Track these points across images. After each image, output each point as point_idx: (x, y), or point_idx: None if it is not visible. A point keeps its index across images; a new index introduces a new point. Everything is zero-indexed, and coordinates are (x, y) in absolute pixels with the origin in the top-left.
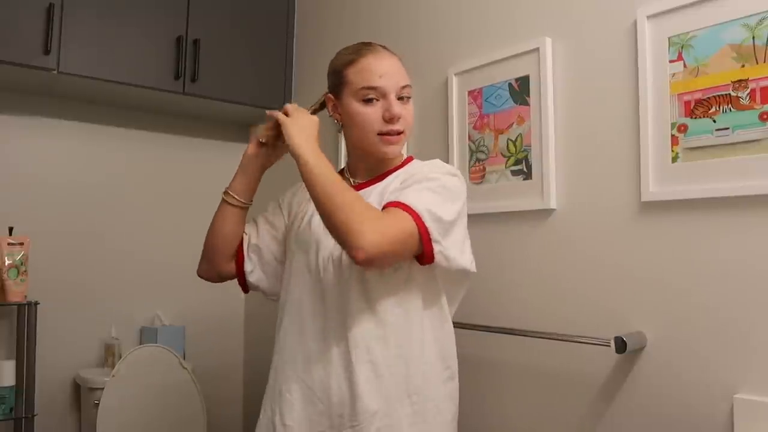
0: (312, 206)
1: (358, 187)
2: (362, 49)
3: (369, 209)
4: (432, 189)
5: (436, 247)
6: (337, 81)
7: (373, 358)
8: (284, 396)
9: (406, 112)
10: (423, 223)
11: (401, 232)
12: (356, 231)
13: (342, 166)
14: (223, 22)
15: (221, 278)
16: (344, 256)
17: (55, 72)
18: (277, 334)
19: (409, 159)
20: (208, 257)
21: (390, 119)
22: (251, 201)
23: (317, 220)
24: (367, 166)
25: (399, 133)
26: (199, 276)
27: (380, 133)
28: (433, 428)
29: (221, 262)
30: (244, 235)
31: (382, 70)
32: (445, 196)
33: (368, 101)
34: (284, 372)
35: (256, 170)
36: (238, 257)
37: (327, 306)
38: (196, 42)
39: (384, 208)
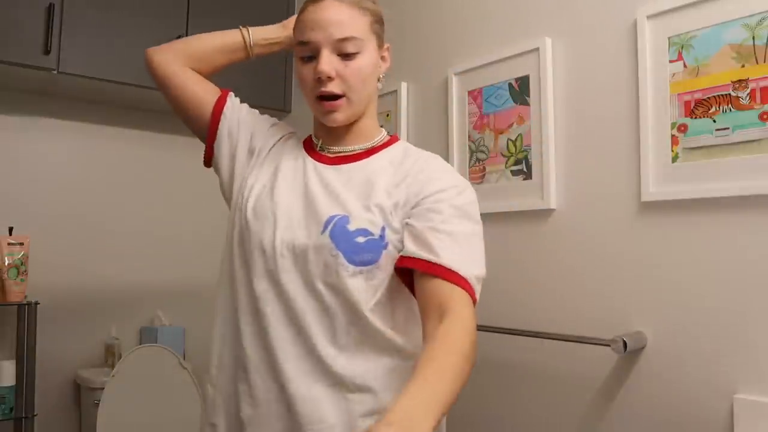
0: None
1: (338, 161)
2: None
3: (456, 366)
4: (471, 235)
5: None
6: None
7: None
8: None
9: (347, 70)
10: (474, 295)
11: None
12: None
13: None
14: (223, 22)
15: (164, 77)
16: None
17: (55, 72)
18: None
19: (395, 139)
20: (178, 49)
21: (316, 79)
22: (255, 56)
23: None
24: (336, 134)
25: (336, 97)
26: (149, 55)
27: (317, 97)
28: None
29: (180, 62)
30: (230, 99)
31: (315, 19)
32: (480, 236)
33: (303, 59)
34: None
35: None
36: (217, 105)
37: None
38: None
39: (424, 269)
